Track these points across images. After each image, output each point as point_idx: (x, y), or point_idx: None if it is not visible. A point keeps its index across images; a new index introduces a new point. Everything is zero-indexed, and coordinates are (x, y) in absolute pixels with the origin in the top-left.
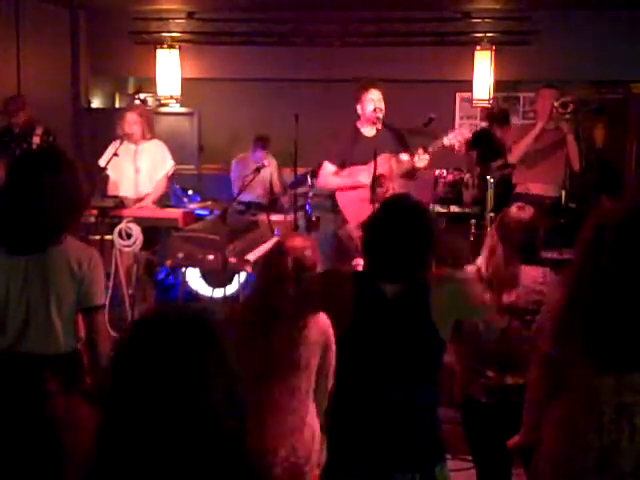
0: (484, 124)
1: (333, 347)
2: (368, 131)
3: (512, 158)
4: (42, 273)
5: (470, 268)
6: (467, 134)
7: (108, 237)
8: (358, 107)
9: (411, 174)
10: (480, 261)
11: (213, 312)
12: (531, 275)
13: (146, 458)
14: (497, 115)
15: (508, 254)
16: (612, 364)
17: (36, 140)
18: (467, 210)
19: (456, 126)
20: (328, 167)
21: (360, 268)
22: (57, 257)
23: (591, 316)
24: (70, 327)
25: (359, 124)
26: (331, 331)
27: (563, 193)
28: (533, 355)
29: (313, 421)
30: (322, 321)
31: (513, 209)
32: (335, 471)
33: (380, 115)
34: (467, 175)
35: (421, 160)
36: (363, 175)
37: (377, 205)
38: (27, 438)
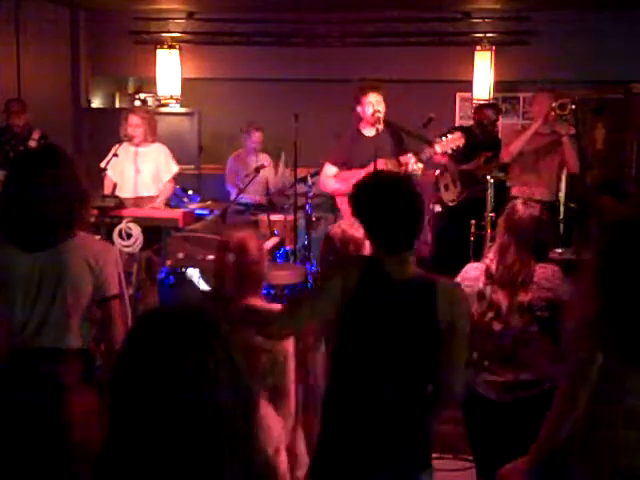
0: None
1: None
2: (368, 131)
3: (505, 158)
4: (57, 268)
5: (473, 266)
6: (460, 140)
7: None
8: (358, 109)
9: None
10: (488, 261)
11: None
12: (541, 273)
13: (149, 457)
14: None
15: (522, 253)
16: None
17: (32, 144)
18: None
19: (448, 131)
20: (329, 169)
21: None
22: (71, 252)
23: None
24: (86, 321)
25: (360, 125)
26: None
27: (562, 196)
28: (567, 363)
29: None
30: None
31: (520, 206)
32: (322, 464)
33: (379, 116)
34: (437, 172)
35: (415, 169)
36: None
37: None
38: (40, 433)
